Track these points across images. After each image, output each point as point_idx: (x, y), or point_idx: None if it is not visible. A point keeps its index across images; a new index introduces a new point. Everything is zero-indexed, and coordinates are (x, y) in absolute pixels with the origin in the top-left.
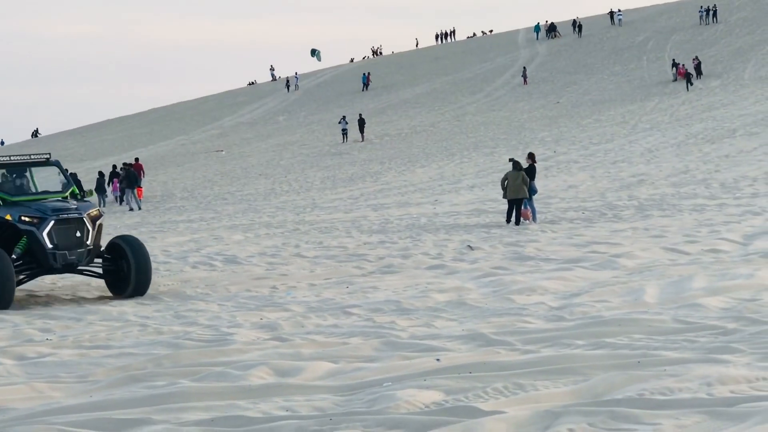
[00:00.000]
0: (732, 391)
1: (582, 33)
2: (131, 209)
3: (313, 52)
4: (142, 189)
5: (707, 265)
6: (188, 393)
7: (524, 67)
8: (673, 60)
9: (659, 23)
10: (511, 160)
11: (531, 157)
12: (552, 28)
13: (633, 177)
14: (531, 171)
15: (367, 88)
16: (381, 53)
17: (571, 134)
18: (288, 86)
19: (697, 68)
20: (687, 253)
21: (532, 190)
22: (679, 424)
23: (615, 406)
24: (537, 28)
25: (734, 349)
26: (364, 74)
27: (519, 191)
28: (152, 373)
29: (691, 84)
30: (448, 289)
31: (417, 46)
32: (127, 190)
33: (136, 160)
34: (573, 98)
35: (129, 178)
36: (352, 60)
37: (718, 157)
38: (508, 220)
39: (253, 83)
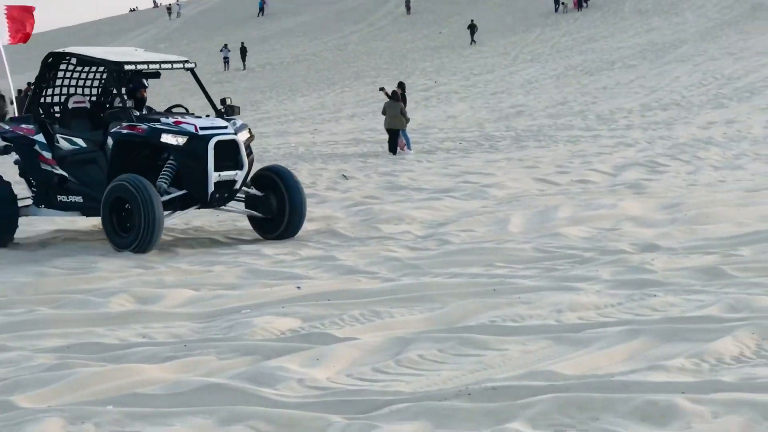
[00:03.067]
0: (580, 318)
1: None
2: None
3: None
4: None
5: (574, 195)
6: (46, 320)
7: None
8: None
9: None
10: (381, 89)
11: (400, 86)
12: None
13: (512, 108)
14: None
15: (263, 14)
16: None
17: (453, 65)
18: (170, 13)
19: None
20: (557, 184)
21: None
22: (525, 350)
23: (466, 332)
24: None
25: (588, 277)
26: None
27: (393, 122)
28: (12, 300)
29: (474, 42)
30: (317, 218)
31: None
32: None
33: (29, 84)
34: (455, 29)
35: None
36: None
37: (596, 89)
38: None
39: (134, 10)
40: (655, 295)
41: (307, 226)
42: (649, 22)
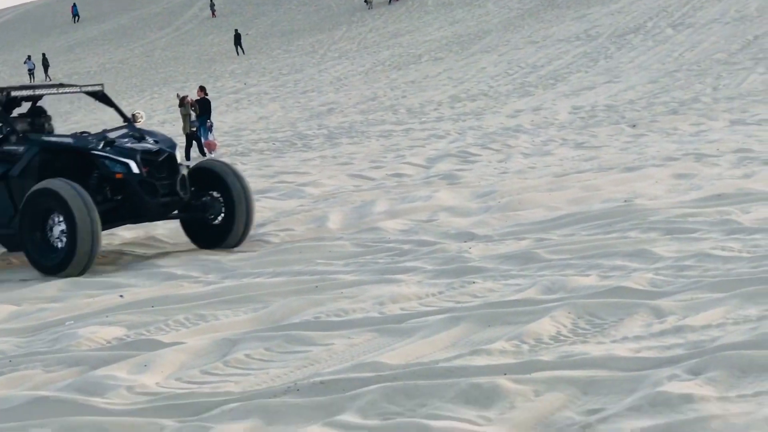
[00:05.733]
0: (402, 309)
1: None
2: None
3: None
4: None
5: (389, 189)
6: None
7: (212, 0)
8: None
9: None
10: (177, 96)
11: (202, 90)
12: None
13: (323, 106)
14: (204, 104)
15: (78, 19)
16: None
17: (261, 66)
18: None
19: None
20: (372, 179)
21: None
22: (351, 343)
23: (291, 329)
24: None
25: (408, 268)
26: (74, 4)
27: (183, 127)
28: None
29: (241, 49)
30: (135, 227)
31: None
32: None
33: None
34: (262, 29)
35: None
36: None
37: (405, 83)
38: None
39: None
40: (474, 282)
41: (126, 235)
42: (452, 14)
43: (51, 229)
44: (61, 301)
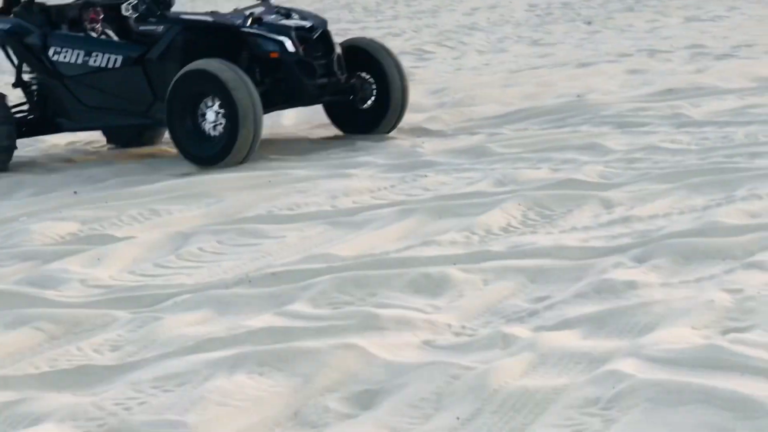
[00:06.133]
0: (354, 202)
1: None
2: None
3: None
4: None
5: None
6: None
7: None
8: None
9: None
10: None
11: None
12: None
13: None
14: None
15: None
16: None
17: None
18: None
19: None
20: None
21: None
22: (303, 236)
23: (244, 223)
24: None
25: (360, 163)
26: None
27: None
28: None
29: None
30: None
31: None
32: None
33: None
34: None
35: None
36: None
37: None
38: None
39: None
40: (426, 176)
41: (80, 135)
42: None
43: (204, 117)
44: (13, 199)
